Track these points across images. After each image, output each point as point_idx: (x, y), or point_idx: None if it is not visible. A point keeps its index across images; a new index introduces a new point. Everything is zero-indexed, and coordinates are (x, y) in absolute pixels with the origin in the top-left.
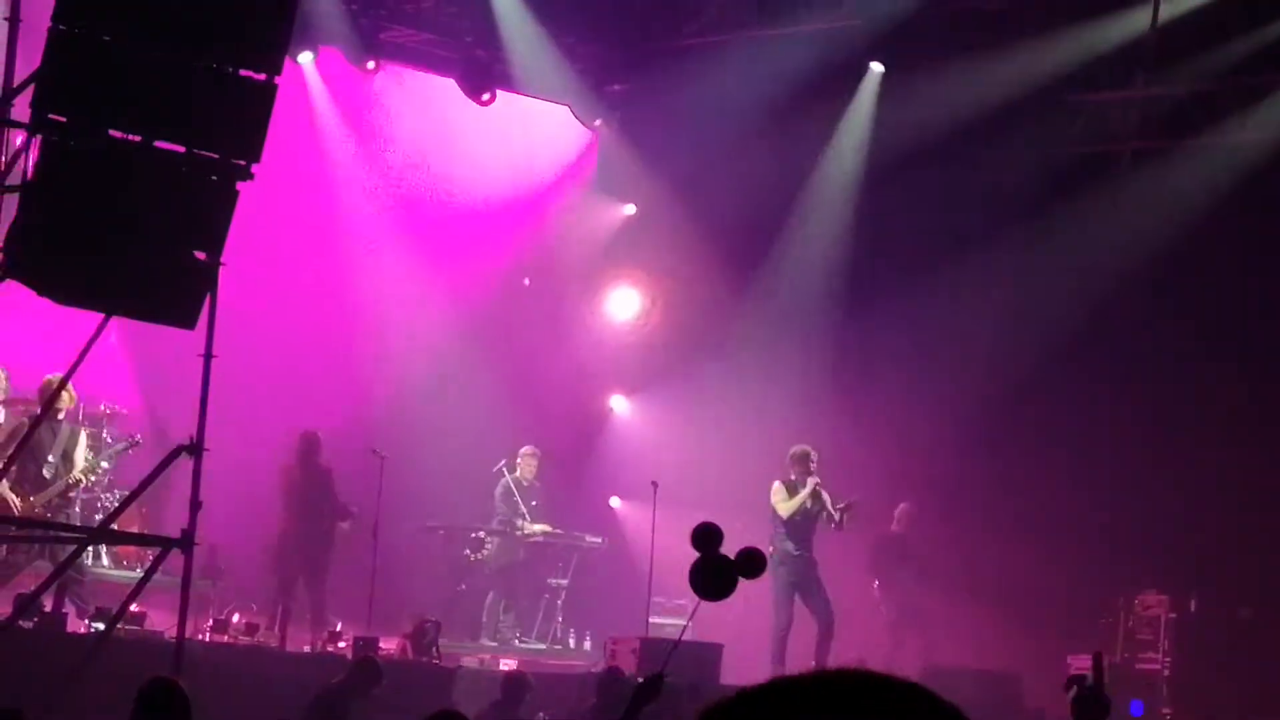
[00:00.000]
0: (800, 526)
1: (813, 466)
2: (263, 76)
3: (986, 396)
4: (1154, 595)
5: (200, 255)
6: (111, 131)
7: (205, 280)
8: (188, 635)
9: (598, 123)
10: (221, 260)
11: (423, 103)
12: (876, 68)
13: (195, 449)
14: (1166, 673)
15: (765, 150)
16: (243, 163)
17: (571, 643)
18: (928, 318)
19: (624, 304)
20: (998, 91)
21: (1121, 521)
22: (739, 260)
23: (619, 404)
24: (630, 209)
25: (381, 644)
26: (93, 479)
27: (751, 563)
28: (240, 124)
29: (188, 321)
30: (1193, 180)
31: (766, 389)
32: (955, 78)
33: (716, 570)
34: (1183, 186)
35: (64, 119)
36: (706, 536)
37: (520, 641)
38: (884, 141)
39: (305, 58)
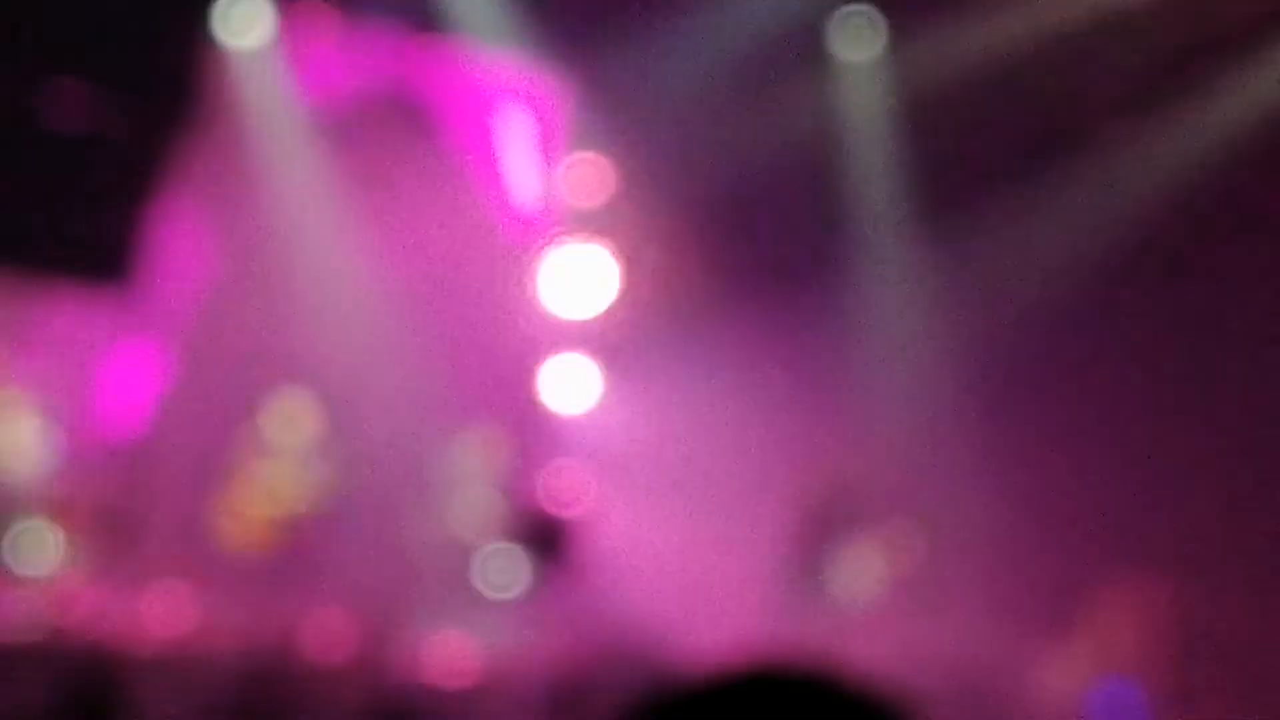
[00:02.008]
0: None
1: None
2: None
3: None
4: (1139, 578)
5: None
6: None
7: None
8: None
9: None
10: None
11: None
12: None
13: None
14: (1149, 678)
15: (760, 106)
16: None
17: None
18: (934, 282)
19: (598, 278)
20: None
21: (1107, 497)
22: (733, 225)
23: (593, 378)
24: (609, 173)
25: None
26: None
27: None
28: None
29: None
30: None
31: (760, 365)
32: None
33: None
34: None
35: None
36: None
37: None
38: (902, 82)
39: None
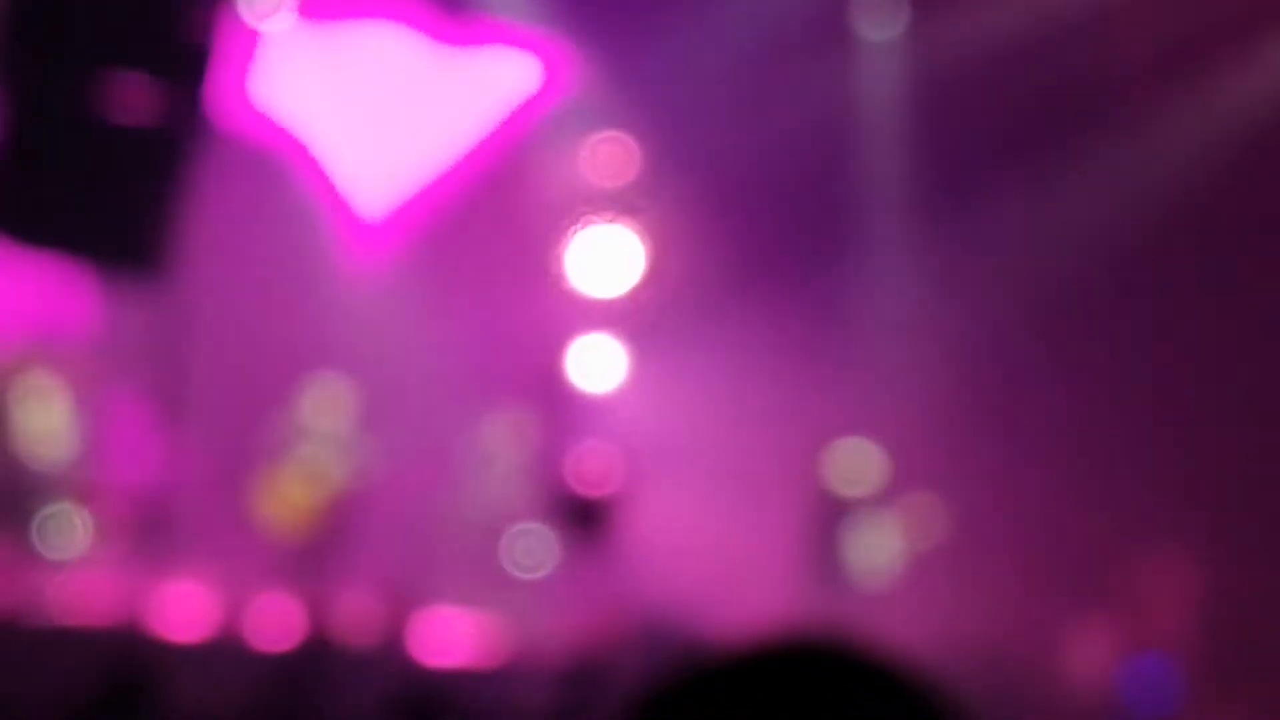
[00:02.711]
0: None
1: None
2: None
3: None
4: (1178, 552)
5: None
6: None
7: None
8: None
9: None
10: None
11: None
12: None
13: None
14: (1187, 651)
15: (784, 85)
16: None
17: None
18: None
19: (624, 257)
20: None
21: (1140, 473)
22: (759, 204)
23: (617, 360)
24: (633, 152)
25: None
26: None
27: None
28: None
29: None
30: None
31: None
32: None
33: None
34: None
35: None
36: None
37: None
38: (917, 70)
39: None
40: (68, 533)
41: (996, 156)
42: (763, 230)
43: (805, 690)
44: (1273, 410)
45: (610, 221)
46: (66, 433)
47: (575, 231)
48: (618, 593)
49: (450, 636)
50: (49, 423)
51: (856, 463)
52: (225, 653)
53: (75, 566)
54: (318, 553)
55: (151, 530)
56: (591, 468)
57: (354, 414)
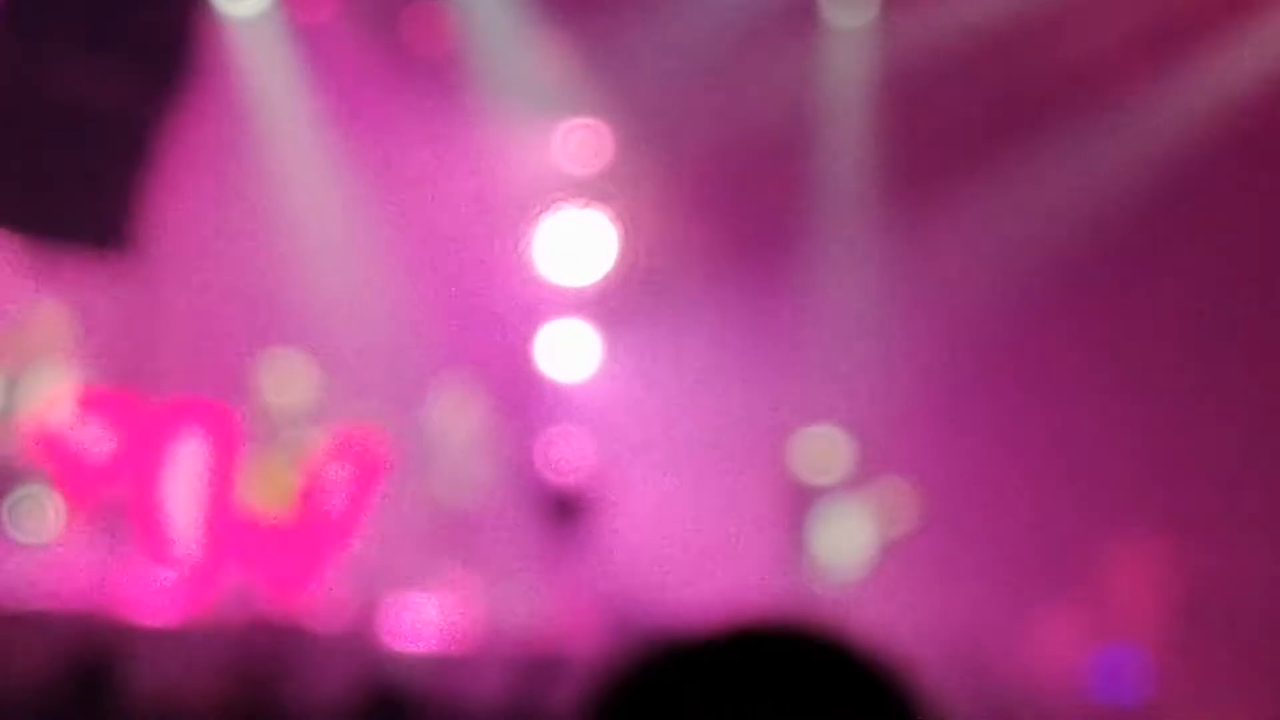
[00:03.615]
0: None
1: None
2: None
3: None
4: (1148, 541)
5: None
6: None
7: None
8: None
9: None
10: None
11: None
12: None
13: None
14: (1157, 639)
15: (754, 72)
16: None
17: None
18: (936, 238)
19: (596, 244)
20: None
21: (1108, 461)
22: (729, 190)
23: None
24: (605, 139)
25: None
26: None
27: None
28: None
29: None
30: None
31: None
32: None
33: None
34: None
35: None
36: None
37: None
38: (892, 50)
39: None
40: (38, 517)
41: (966, 145)
42: (733, 216)
43: (771, 673)
44: (1245, 399)
45: (582, 208)
46: (35, 416)
47: (546, 217)
48: (586, 579)
49: (417, 622)
50: (13, 405)
51: (826, 451)
52: (194, 637)
53: (44, 550)
54: (290, 536)
55: (120, 514)
56: (561, 454)
57: (318, 396)
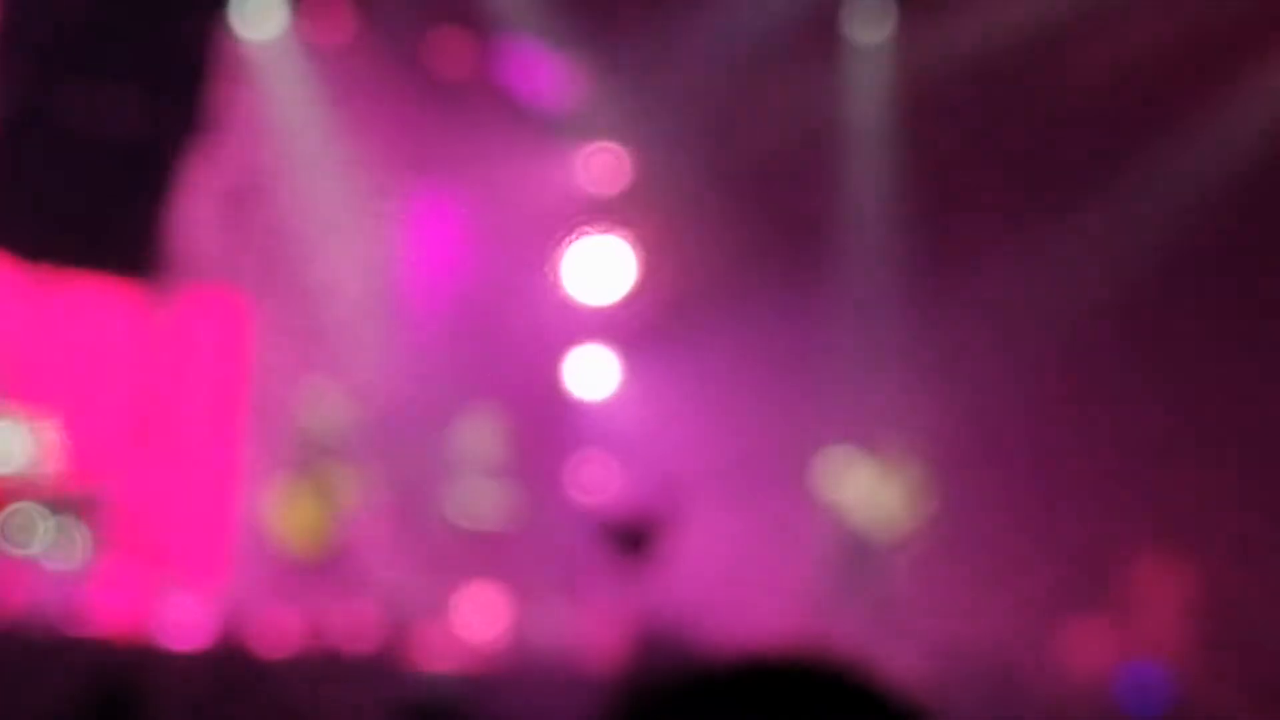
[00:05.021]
0: None
1: None
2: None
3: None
4: (1174, 558)
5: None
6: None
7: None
8: None
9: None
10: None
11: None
12: None
13: None
14: (1175, 657)
15: (774, 92)
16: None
17: None
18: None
19: (617, 267)
20: None
21: (1138, 480)
22: (750, 211)
23: (609, 373)
24: (625, 162)
25: None
26: None
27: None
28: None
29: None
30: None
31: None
32: None
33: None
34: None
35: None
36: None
37: None
38: (917, 67)
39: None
40: (68, 544)
41: (993, 165)
42: (755, 238)
43: (788, 707)
44: (1273, 417)
45: (603, 232)
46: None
47: (571, 240)
48: (626, 603)
49: (448, 643)
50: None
51: (850, 471)
52: (226, 662)
53: (75, 577)
54: (324, 564)
55: (152, 542)
56: (590, 476)
57: (351, 425)
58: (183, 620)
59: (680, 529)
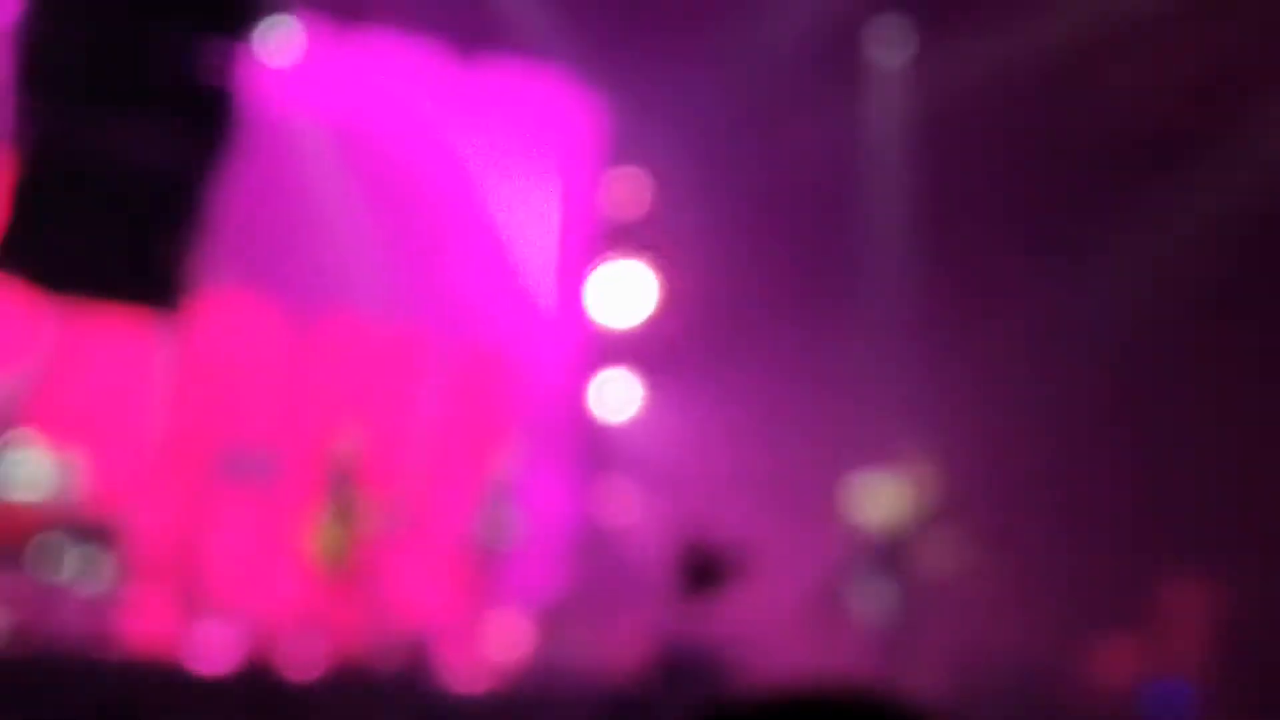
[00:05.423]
0: None
1: None
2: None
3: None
4: (1200, 576)
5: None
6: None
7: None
8: None
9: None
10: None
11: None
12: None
13: None
14: (1202, 675)
15: (795, 117)
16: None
17: None
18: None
19: (639, 290)
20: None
21: (1163, 499)
22: (770, 236)
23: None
24: (647, 187)
25: None
26: None
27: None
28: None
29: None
30: None
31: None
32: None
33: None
34: None
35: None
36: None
37: None
38: (938, 90)
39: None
40: (94, 571)
41: (1009, 186)
42: (775, 261)
43: None
44: None
45: (626, 256)
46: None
47: (594, 264)
48: (646, 624)
49: (471, 664)
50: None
51: (877, 495)
52: (253, 686)
53: (102, 604)
54: (350, 587)
55: (176, 568)
56: (614, 500)
57: (373, 453)
58: (210, 644)
59: (749, 566)
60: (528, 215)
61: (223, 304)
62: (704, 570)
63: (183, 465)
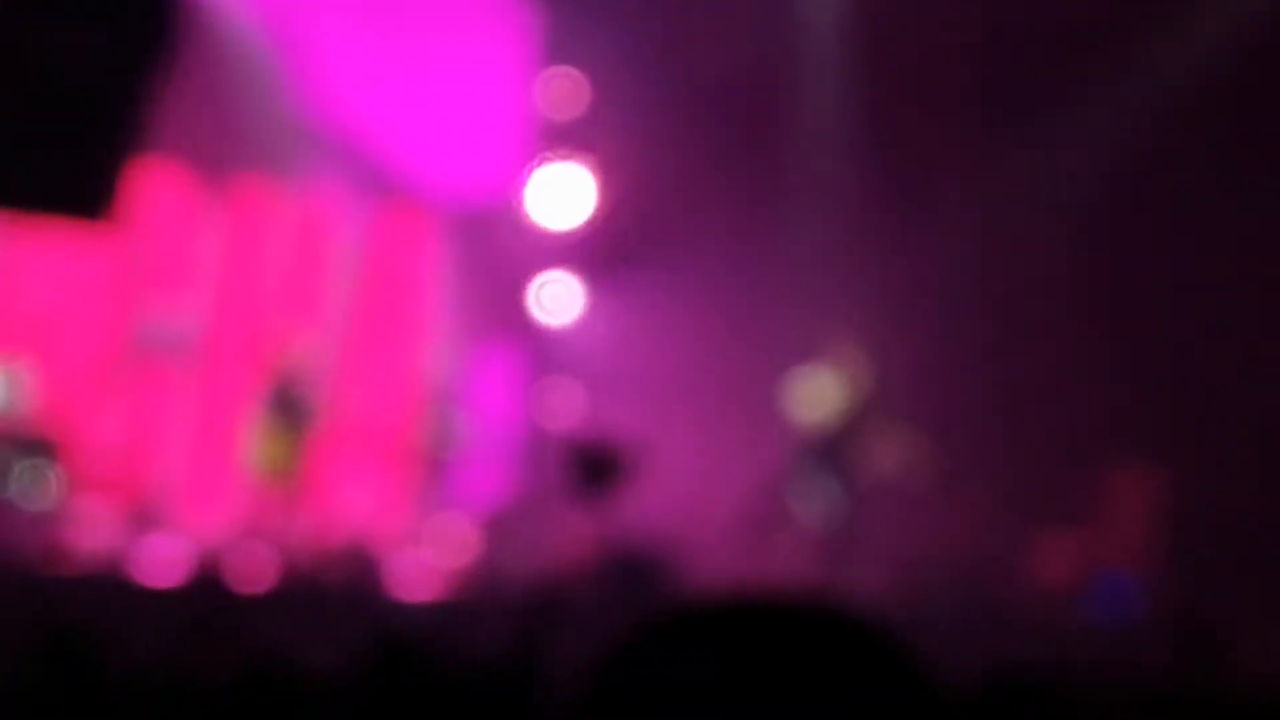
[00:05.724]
0: None
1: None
2: None
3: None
4: (1144, 468)
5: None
6: None
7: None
8: None
9: None
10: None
11: None
12: None
13: None
14: (1146, 566)
15: (737, 10)
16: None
17: None
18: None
19: (577, 192)
20: None
21: (1115, 379)
22: (722, 136)
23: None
24: (584, 87)
25: None
26: None
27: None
28: None
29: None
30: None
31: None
32: None
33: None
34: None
35: None
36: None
37: None
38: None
39: None
40: (41, 484)
41: (947, 80)
42: (714, 160)
43: (775, 645)
44: (1242, 325)
45: (563, 158)
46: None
47: (532, 166)
48: (584, 528)
49: (419, 573)
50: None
51: (819, 389)
52: (200, 598)
53: (48, 518)
54: (296, 499)
55: (121, 481)
56: (557, 402)
57: (323, 357)
58: (158, 557)
59: (647, 457)
60: (462, 109)
61: (144, 177)
62: (598, 468)
63: (112, 353)
